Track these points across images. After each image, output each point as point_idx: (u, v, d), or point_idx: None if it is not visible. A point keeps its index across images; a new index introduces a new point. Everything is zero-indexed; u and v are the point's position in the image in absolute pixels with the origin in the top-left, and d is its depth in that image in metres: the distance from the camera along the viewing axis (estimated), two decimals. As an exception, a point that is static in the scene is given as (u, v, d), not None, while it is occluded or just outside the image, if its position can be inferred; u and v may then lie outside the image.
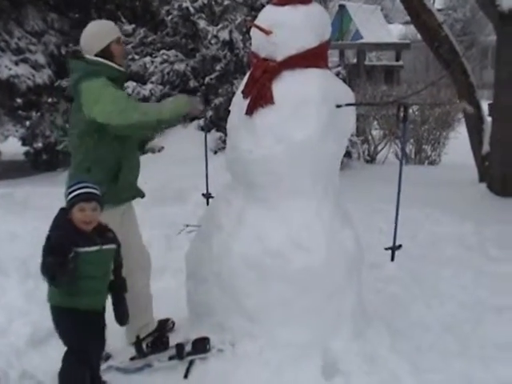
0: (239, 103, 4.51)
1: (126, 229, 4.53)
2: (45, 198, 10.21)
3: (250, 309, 4.35)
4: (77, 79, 4.32)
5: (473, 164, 11.55)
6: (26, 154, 17.63)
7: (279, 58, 4.29)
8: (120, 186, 4.44)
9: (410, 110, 16.48)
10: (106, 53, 4.40)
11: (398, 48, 25.92)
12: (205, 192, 5.22)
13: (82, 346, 3.74)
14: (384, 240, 7.21)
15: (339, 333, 4.39)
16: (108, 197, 4.05)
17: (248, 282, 4.33)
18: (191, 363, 4.36)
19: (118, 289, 3.97)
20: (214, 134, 12.56)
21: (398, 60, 25.53)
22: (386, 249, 4.39)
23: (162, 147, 12.82)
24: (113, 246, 3.88)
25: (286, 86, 4.28)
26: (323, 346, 4.32)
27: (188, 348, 4.39)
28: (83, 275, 3.62)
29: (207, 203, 5.17)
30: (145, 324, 4.81)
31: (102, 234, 3.82)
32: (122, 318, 3.97)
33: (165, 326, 5.05)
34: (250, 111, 4.33)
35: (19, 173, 15.46)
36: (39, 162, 17.13)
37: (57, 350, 4.00)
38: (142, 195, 4.81)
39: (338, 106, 4.36)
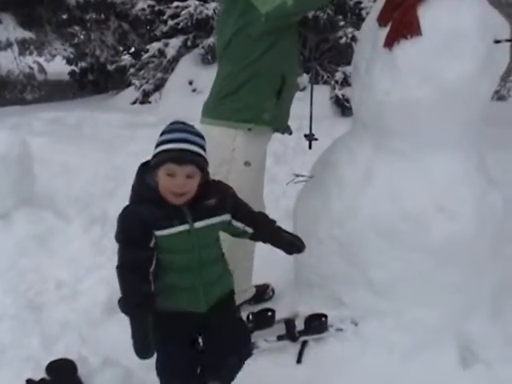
0: (372, 32, 3.69)
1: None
2: (100, 124, 9.65)
3: (378, 281, 3.64)
4: None
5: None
6: (71, 73, 17.13)
7: (427, -23, 3.43)
8: (280, 106, 3.85)
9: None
10: None
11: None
12: (307, 133, 4.43)
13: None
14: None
15: (476, 312, 3.70)
16: (263, 119, 3.75)
17: (377, 250, 3.60)
18: (304, 344, 3.68)
19: (266, 232, 2.95)
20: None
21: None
22: None
23: None
24: (215, 220, 2.68)
25: (435, 14, 3.39)
26: (458, 327, 3.66)
27: (299, 325, 3.72)
28: (170, 267, 2.62)
29: (309, 146, 4.38)
30: (244, 289, 4.15)
31: (198, 202, 2.60)
32: (289, 246, 3.00)
33: (263, 294, 4.40)
34: (389, 43, 3.49)
35: (66, 94, 14.96)
36: (85, 82, 16.67)
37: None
38: (290, 132, 4.14)
39: (497, 42, 3.48)
